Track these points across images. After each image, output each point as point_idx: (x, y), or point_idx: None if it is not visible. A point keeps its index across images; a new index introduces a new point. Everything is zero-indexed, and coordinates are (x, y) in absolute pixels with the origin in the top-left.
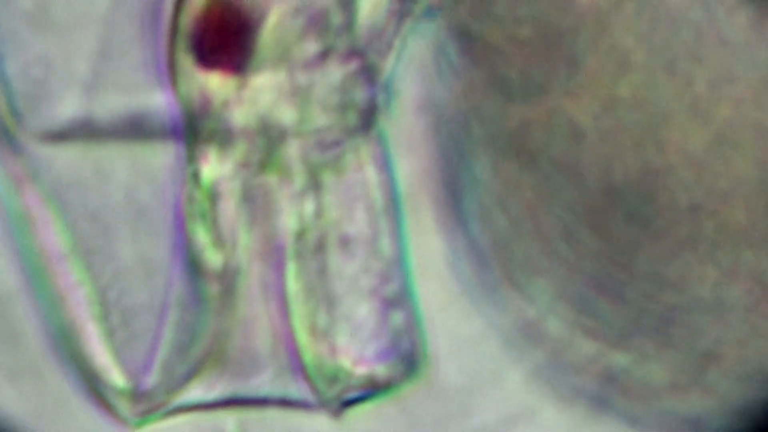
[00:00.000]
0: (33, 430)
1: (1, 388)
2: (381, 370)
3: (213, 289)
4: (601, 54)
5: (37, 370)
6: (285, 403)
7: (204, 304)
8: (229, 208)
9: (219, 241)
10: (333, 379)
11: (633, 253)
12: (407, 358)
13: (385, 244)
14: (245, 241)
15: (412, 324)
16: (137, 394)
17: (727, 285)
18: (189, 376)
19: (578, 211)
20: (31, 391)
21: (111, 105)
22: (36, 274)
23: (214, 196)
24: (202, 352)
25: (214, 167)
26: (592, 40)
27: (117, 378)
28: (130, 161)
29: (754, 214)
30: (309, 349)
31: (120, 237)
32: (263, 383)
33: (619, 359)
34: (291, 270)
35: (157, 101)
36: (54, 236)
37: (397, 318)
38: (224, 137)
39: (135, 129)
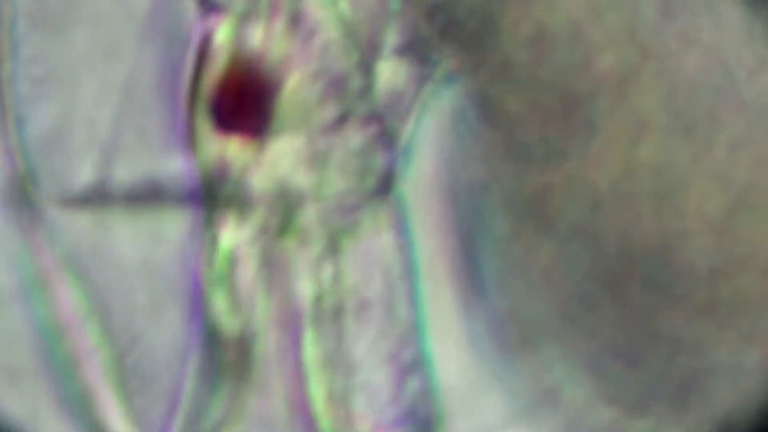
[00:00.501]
0: (33, 431)
1: (2, 388)
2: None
3: (229, 355)
4: (620, 118)
5: (38, 372)
6: None
7: (220, 371)
8: (248, 273)
9: (237, 306)
10: None
11: (651, 319)
12: (424, 424)
13: (403, 310)
14: (263, 306)
15: (429, 390)
16: None
17: (745, 350)
18: None
19: (596, 276)
20: (32, 392)
21: (129, 170)
22: (52, 340)
23: (232, 261)
24: (218, 419)
25: (232, 232)
26: (611, 105)
27: None
28: (148, 226)
29: None
30: (325, 415)
31: (137, 302)
32: None
33: (638, 425)
34: (308, 335)
35: (176, 166)
36: (70, 301)
37: (414, 384)
38: (242, 202)
39: (153, 194)
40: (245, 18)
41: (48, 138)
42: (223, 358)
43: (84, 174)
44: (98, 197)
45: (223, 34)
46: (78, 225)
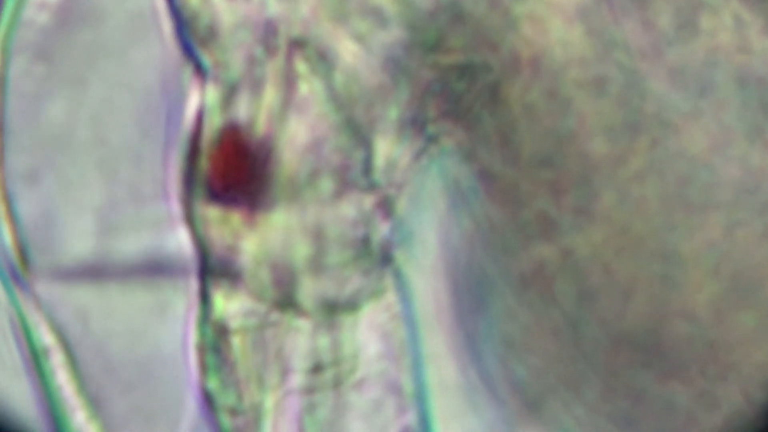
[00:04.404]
0: (39, 428)
1: (6, 387)
2: None
3: (233, 425)
4: (615, 197)
5: None
6: None
7: None
8: (243, 343)
9: (232, 377)
10: None
11: (647, 389)
12: None
13: (403, 379)
14: (259, 377)
15: None
16: None
17: (740, 424)
18: None
19: (592, 348)
20: (36, 403)
21: (125, 244)
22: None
23: (226, 332)
24: None
25: (226, 304)
26: (606, 183)
27: None
28: (144, 297)
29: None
30: None
31: (130, 380)
32: None
33: None
34: (306, 406)
35: (171, 238)
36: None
37: None
38: (237, 275)
39: (148, 267)
40: (235, 90)
41: (41, 212)
42: (224, 427)
43: (77, 248)
44: (92, 273)
45: (213, 104)
46: (70, 300)
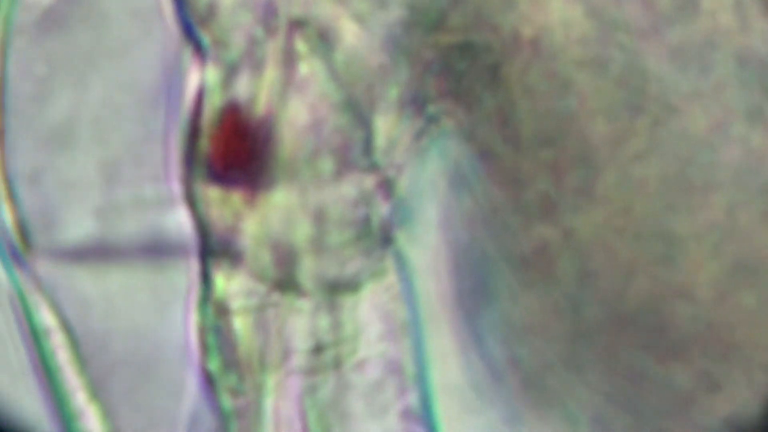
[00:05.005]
0: (40, 428)
1: (8, 387)
2: None
3: (234, 405)
4: (616, 177)
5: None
6: None
7: (226, 424)
8: (244, 324)
9: (233, 358)
10: None
11: (649, 369)
12: None
13: (405, 361)
14: (260, 357)
15: None
16: None
17: (741, 399)
18: None
19: (593, 327)
20: (38, 390)
21: (126, 223)
22: (58, 392)
23: (227, 312)
24: None
25: (227, 284)
26: (607, 163)
27: None
28: (144, 281)
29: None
30: None
31: (131, 366)
32: None
33: None
34: (307, 386)
35: (173, 218)
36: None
37: None
38: (237, 255)
39: (150, 248)
40: (235, 70)
41: (41, 191)
42: (225, 409)
43: (78, 229)
44: (93, 253)
45: (213, 85)
46: (72, 282)
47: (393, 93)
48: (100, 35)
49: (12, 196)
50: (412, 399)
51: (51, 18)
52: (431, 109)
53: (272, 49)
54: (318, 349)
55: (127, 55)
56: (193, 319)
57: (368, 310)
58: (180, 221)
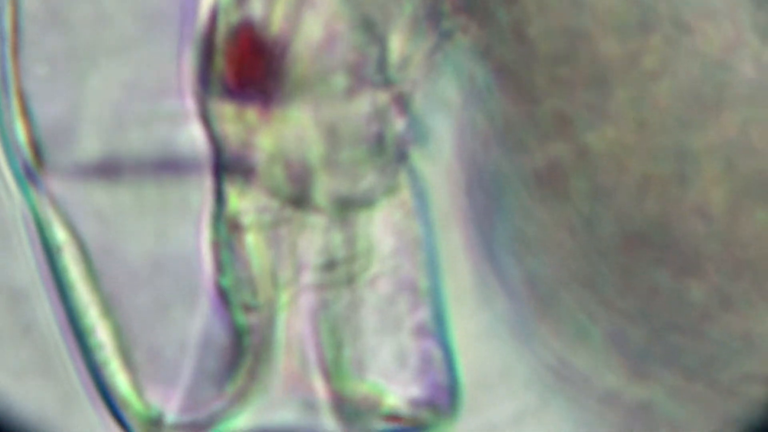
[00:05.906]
0: (39, 429)
1: (7, 388)
2: (411, 403)
3: (247, 321)
4: (629, 94)
5: (44, 370)
6: None
7: (239, 339)
8: (257, 240)
9: (246, 274)
10: (360, 412)
11: (662, 286)
12: (437, 392)
13: (418, 276)
14: (273, 273)
15: (444, 357)
16: (164, 427)
17: (754, 319)
18: (221, 412)
19: (605, 244)
20: (38, 390)
21: (137, 140)
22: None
23: (240, 228)
24: (237, 388)
25: (241, 200)
26: (620, 81)
27: (141, 408)
28: (157, 197)
29: None
30: (337, 381)
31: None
32: (291, 415)
33: (643, 393)
34: (321, 302)
35: (184, 135)
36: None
37: (429, 350)
38: (252, 171)
39: (162, 164)
40: None
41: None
42: (241, 326)
43: (91, 145)
44: (106, 170)
45: (228, 3)
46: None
47: (407, 9)
48: None
49: (26, 114)
50: (425, 314)
51: None
52: (446, 24)
53: None
54: (331, 264)
55: None
56: (206, 235)
57: (381, 226)
58: (193, 137)
